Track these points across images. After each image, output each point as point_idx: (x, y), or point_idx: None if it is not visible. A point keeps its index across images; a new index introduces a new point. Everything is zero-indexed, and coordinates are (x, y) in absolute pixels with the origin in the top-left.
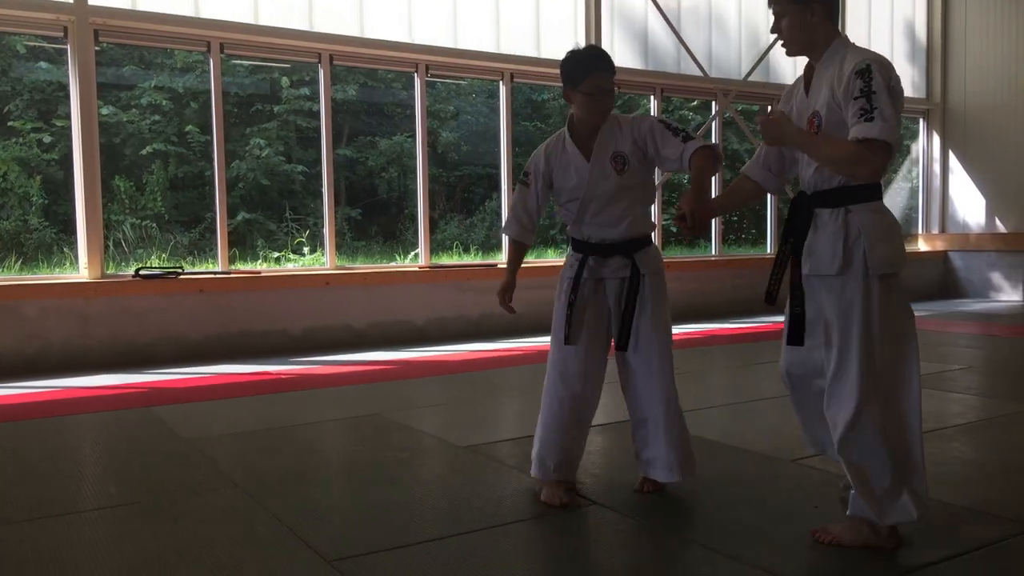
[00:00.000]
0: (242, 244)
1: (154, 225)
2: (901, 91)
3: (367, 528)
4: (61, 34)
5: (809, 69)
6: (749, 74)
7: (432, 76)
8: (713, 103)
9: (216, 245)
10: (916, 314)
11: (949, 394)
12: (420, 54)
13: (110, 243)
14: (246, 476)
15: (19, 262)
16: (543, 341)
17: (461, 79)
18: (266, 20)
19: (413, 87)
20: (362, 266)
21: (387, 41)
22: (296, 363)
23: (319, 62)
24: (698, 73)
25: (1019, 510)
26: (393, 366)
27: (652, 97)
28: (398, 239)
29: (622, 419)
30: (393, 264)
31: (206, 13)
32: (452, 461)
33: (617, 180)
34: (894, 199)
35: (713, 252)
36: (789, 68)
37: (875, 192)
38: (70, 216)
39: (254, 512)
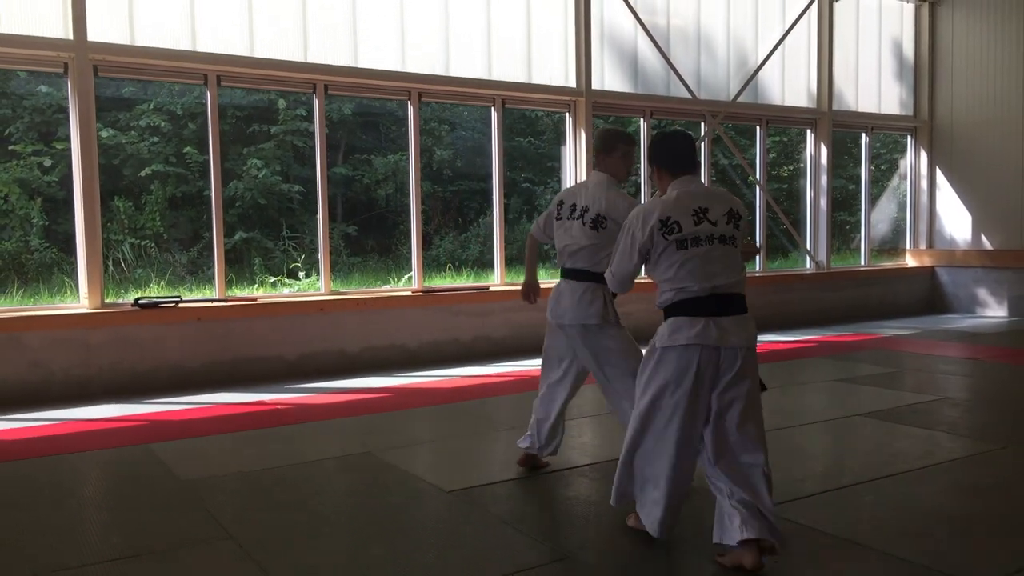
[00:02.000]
0: (240, 262)
1: (153, 245)
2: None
3: None
4: (61, 70)
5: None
6: (738, 95)
7: (425, 102)
8: (702, 124)
9: (213, 266)
10: (904, 329)
11: (913, 430)
12: (413, 83)
13: (109, 263)
14: (243, 528)
15: (20, 286)
16: (531, 365)
17: (454, 105)
18: (261, 52)
19: (407, 113)
20: (356, 290)
21: (381, 71)
22: (292, 391)
23: (314, 92)
24: (687, 95)
25: None
26: (386, 394)
27: (642, 120)
28: (393, 254)
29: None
30: (386, 288)
31: (202, 46)
32: (440, 510)
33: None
34: (882, 214)
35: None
36: (777, 88)
37: None
38: (70, 237)
39: (244, 570)
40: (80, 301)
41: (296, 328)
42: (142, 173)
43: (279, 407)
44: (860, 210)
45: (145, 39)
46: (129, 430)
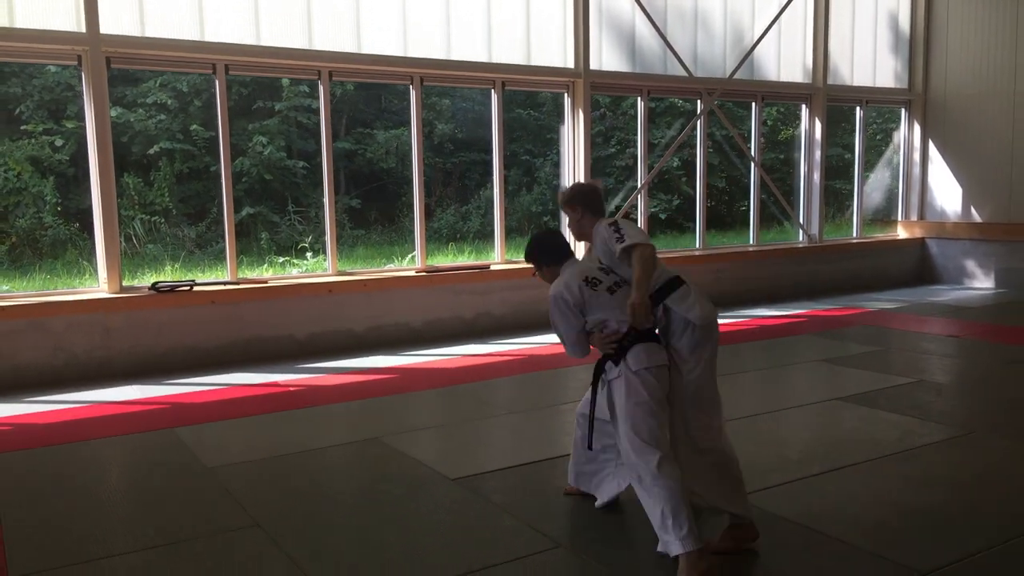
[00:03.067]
0: (247, 236)
1: (162, 220)
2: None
3: (373, 573)
4: (76, 62)
5: None
6: (734, 72)
7: (427, 86)
8: (699, 101)
9: (222, 241)
10: (892, 303)
11: (887, 415)
12: (415, 67)
13: (121, 239)
14: (265, 515)
15: (35, 261)
16: (530, 343)
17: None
18: (267, 40)
19: (409, 98)
20: (362, 270)
21: (384, 56)
22: (302, 371)
23: (319, 79)
24: (684, 73)
25: None
26: (392, 375)
27: (639, 99)
28: (396, 226)
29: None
30: (390, 268)
31: (210, 36)
32: (444, 497)
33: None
34: (875, 183)
35: (697, 245)
36: (773, 64)
37: None
38: (83, 213)
39: (275, 557)
40: (99, 286)
41: (305, 309)
42: (150, 150)
43: (291, 389)
44: (854, 180)
45: (155, 30)
46: (153, 414)
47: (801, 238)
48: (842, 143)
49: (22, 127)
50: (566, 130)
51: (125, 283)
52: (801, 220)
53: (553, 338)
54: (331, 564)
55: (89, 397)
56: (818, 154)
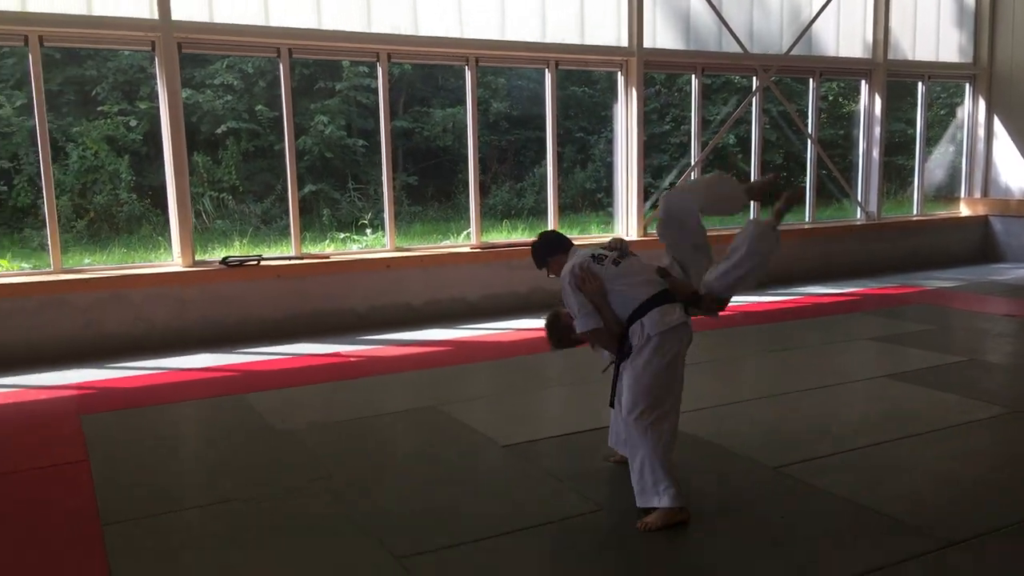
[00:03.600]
0: (309, 213)
1: (230, 197)
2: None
3: (425, 529)
4: (149, 48)
5: None
6: (791, 48)
7: (482, 66)
8: (754, 78)
9: (286, 218)
10: (952, 281)
11: (934, 393)
12: (470, 48)
13: (191, 215)
14: (330, 473)
15: (112, 236)
16: None
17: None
18: (328, 24)
19: (464, 78)
20: (420, 247)
21: (440, 38)
22: (363, 343)
23: (377, 61)
24: (739, 50)
25: None
26: (448, 348)
27: (693, 76)
28: (452, 203)
29: None
30: (447, 244)
31: (275, 21)
32: (495, 462)
33: None
34: (938, 160)
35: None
36: (831, 40)
37: None
38: (156, 190)
39: (339, 512)
40: (174, 260)
41: (365, 283)
42: (218, 130)
43: (353, 359)
44: (916, 157)
45: (223, 16)
46: (225, 380)
47: (859, 215)
48: (905, 118)
49: (98, 108)
50: (619, 109)
51: (197, 258)
52: (859, 197)
53: None
54: (391, 519)
55: (167, 364)
56: (877, 130)
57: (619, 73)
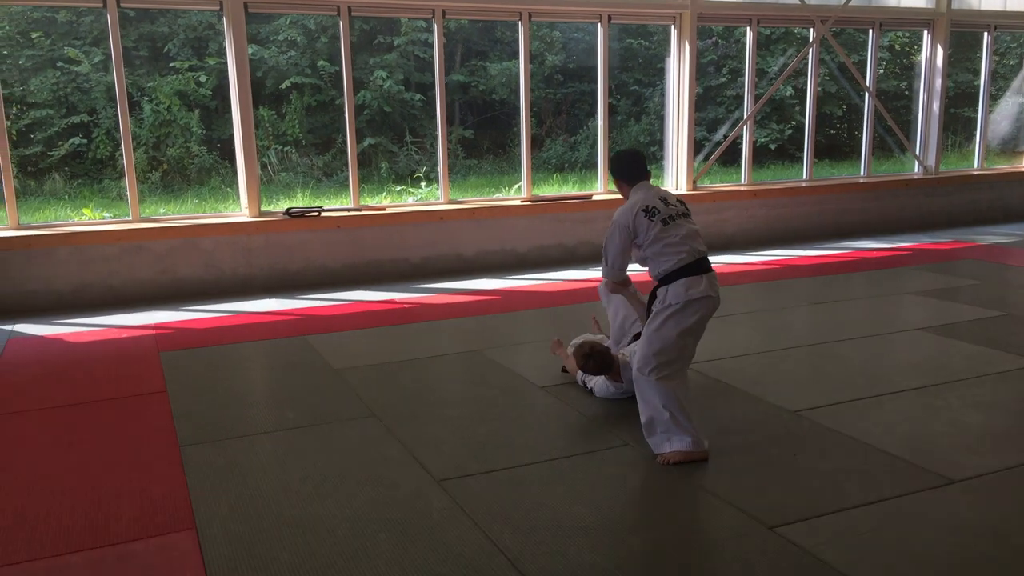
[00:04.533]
0: (368, 165)
1: (293, 150)
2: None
3: (464, 457)
4: (217, 7)
5: None
6: None
7: (535, 21)
8: (811, 30)
9: (346, 170)
10: (1008, 237)
11: (964, 345)
12: (523, 4)
13: (257, 167)
14: (381, 407)
15: (184, 187)
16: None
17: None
18: None
19: (517, 34)
20: (472, 199)
21: None
22: (416, 291)
23: (432, 17)
24: (795, 1)
25: None
26: (495, 296)
27: (748, 28)
28: (507, 155)
29: None
30: (498, 197)
31: None
32: (533, 401)
33: None
34: (1004, 115)
35: (804, 176)
36: None
37: None
38: (224, 143)
39: (387, 440)
40: (241, 210)
41: (419, 234)
42: (282, 85)
43: (406, 306)
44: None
45: None
46: (288, 323)
47: (917, 169)
48: (973, 68)
49: (170, 64)
50: (671, 62)
51: (263, 208)
52: (918, 150)
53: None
54: (434, 448)
55: (235, 308)
56: (939, 82)
57: (672, 26)
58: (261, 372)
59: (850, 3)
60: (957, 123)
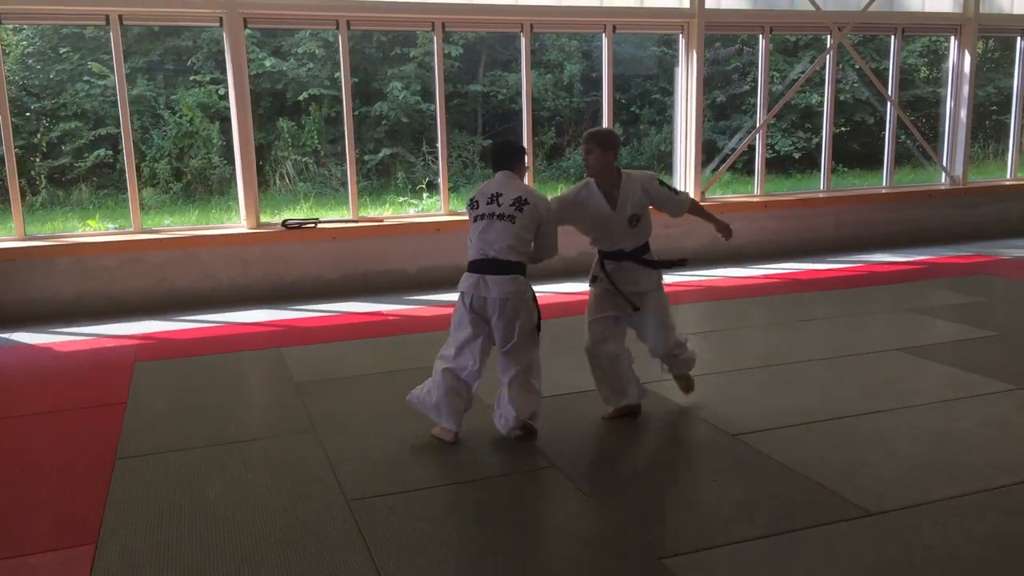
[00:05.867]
0: (387, 175)
1: (312, 160)
2: None
3: (383, 476)
4: (218, 23)
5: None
6: (870, 3)
7: (537, 33)
8: (828, 37)
9: (365, 179)
10: None
11: (938, 367)
12: (525, 15)
13: (276, 177)
14: (323, 422)
15: (206, 196)
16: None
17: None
18: None
19: (519, 45)
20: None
21: (493, 5)
22: (408, 302)
23: (432, 30)
24: (810, 7)
25: None
26: None
27: (761, 36)
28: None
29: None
30: None
31: None
32: (476, 420)
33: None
34: None
35: (821, 187)
36: None
37: None
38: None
39: (316, 456)
40: (240, 222)
41: (416, 246)
42: (300, 97)
43: (391, 318)
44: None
45: None
46: (269, 335)
47: (943, 180)
48: (1011, 72)
49: (191, 77)
50: (680, 72)
51: (275, 218)
52: (944, 160)
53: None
54: (357, 466)
55: (225, 318)
56: (966, 90)
57: (680, 36)
58: (223, 385)
59: (869, 9)
60: (993, 131)
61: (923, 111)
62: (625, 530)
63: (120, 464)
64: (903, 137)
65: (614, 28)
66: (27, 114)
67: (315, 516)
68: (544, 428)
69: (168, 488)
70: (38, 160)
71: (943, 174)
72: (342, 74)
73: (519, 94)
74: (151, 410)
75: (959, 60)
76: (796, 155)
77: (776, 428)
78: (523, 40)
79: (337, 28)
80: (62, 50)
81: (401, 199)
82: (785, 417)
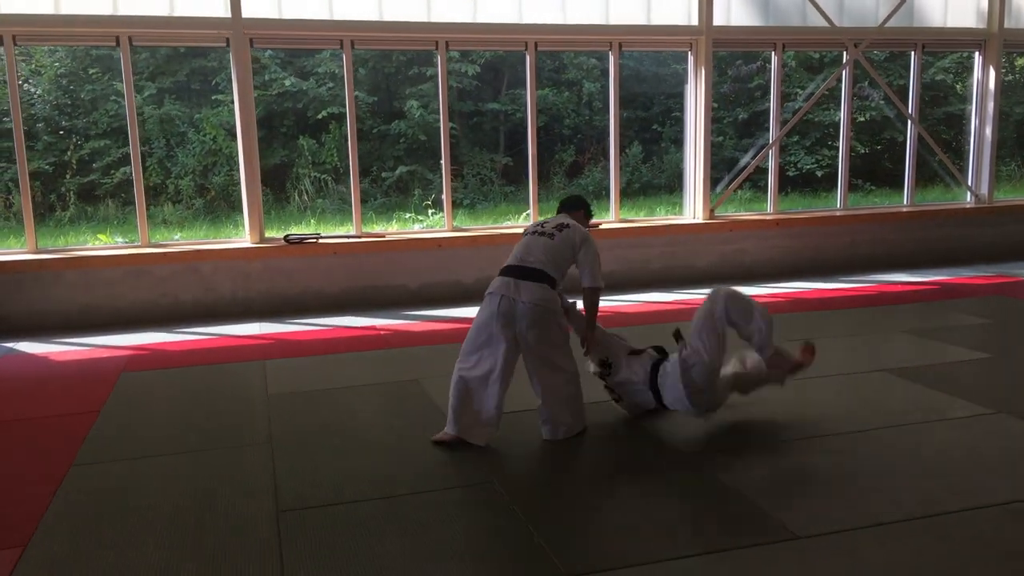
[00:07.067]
0: (405, 192)
1: (331, 178)
2: None
3: (320, 488)
4: (224, 44)
5: None
6: (888, 19)
7: (542, 51)
8: (844, 53)
9: (382, 196)
10: None
11: (924, 390)
12: (529, 34)
13: (295, 194)
14: (282, 434)
15: (229, 212)
16: (638, 300)
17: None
18: (390, 16)
19: (525, 63)
20: (475, 227)
21: (497, 24)
22: (405, 317)
23: (436, 49)
24: (825, 23)
25: None
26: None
27: (773, 53)
28: (547, 182)
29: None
30: (504, 225)
31: (338, 15)
32: (430, 433)
33: None
34: None
35: (838, 205)
36: (937, 7)
37: None
38: (264, 172)
39: (263, 468)
40: (244, 236)
41: (417, 262)
42: (320, 115)
43: (381, 333)
44: None
45: (290, 12)
46: (258, 347)
47: (968, 199)
48: None
49: (214, 96)
50: (689, 91)
51: (293, 233)
52: (970, 179)
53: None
54: (298, 478)
55: (222, 331)
56: (991, 106)
57: (688, 53)
58: (198, 396)
59: (887, 24)
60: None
61: (957, 127)
62: (543, 547)
63: (74, 471)
64: (926, 154)
65: (620, 46)
66: (60, 132)
67: (244, 528)
68: (499, 442)
69: (110, 495)
70: (68, 176)
71: (968, 193)
72: (346, 92)
73: (541, 111)
74: (121, 420)
75: (984, 76)
76: (819, 173)
77: (728, 447)
78: (528, 58)
79: (341, 47)
80: (91, 71)
81: (407, 215)
82: (740, 436)
